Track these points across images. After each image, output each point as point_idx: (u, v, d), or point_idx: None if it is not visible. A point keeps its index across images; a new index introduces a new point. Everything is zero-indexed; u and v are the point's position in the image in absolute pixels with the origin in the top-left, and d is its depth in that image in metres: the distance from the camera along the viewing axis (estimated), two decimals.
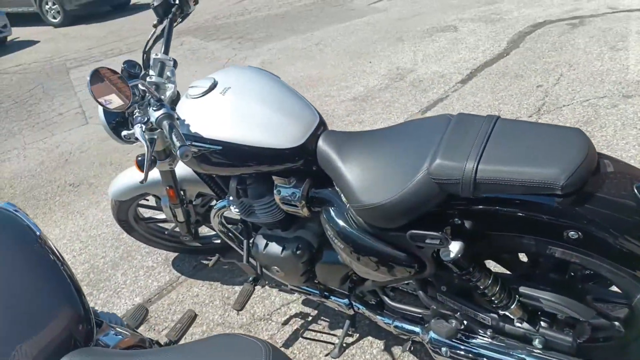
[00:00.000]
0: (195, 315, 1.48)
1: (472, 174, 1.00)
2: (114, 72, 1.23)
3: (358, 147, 1.27)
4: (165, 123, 1.19)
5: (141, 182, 1.26)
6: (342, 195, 1.30)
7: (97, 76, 1.21)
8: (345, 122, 3.47)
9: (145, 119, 1.28)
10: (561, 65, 3.58)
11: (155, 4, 1.53)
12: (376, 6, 6.73)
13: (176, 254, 2.40)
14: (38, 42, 8.29)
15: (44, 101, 5.21)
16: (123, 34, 7.83)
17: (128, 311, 1.52)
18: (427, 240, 1.12)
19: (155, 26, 1.55)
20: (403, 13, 6.07)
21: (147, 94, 1.32)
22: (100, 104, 1.21)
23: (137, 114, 1.31)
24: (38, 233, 0.98)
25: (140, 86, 1.32)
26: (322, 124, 1.39)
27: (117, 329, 1.02)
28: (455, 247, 1.11)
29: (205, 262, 2.34)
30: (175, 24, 1.58)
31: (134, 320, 1.41)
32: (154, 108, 1.23)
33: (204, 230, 2.26)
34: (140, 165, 1.56)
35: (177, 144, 1.12)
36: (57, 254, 1.00)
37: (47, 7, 9.25)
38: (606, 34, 3.94)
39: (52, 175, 3.56)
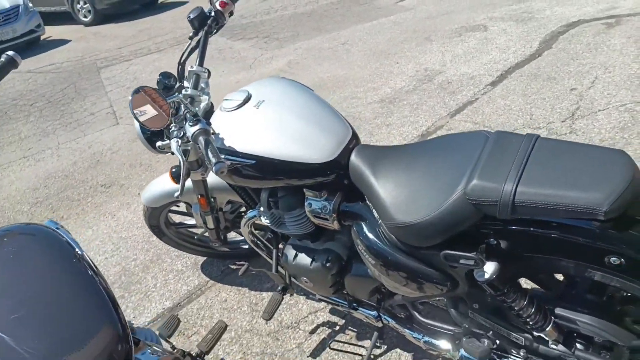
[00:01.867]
0: (226, 327, 1.50)
1: (510, 196, 0.98)
2: (153, 89, 1.25)
3: (391, 163, 1.27)
4: (201, 139, 1.20)
5: (177, 196, 1.28)
6: (374, 210, 1.29)
7: (137, 95, 1.23)
8: (372, 125, 3.45)
9: (182, 133, 1.30)
10: (596, 67, 3.47)
11: (192, 16, 1.55)
12: (403, 4, 6.65)
13: (205, 258, 2.43)
14: (70, 41, 8.49)
15: (76, 101, 5.34)
16: (152, 32, 7.96)
17: (161, 320, 1.56)
18: (461, 261, 1.11)
19: (190, 38, 1.57)
20: (431, 12, 5.99)
21: (183, 108, 1.33)
22: (141, 124, 1.23)
23: (173, 128, 1.33)
24: (79, 251, 1.00)
25: (177, 102, 1.33)
26: (354, 138, 1.38)
27: (154, 347, 1.04)
28: (490, 268, 1.09)
29: (233, 267, 2.37)
30: (210, 36, 1.60)
31: (167, 329, 1.44)
32: (190, 123, 1.24)
33: (232, 235, 2.28)
34: (174, 177, 1.59)
35: (213, 160, 1.13)
36: (96, 270, 1.02)
37: (78, 6, 9.47)
38: None
39: (85, 175, 3.65)
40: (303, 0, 8.28)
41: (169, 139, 1.39)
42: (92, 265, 1.01)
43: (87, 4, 9.32)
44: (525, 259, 1.10)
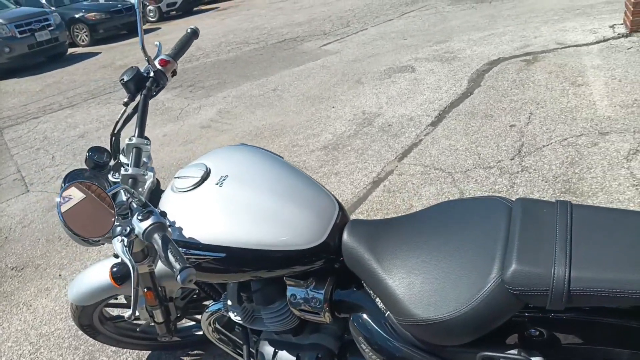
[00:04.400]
0: None
1: (564, 284, 0.81)
2: (91, 184, 0.95)
3: (395, 241, 1.06)
4: (156, 237, 0.92)
5: (128, 317, 0.98)
6: (377, 299, 1.08)
7: (68, 193, 0.93)
8: (320, 174, 3.27)
9: (127, 229, 1.01)
10: (528, 103, 3.59)
11: (125, 78, 1.28)
12: (327, 48, 6.72)
13: (150, 351, 2.05)
14: None
15: None
16: (62, 86, 7.36)
17: None
18: None
19: (125, 104, 1.29)
20: (356, 55, 6.08)
21: (126, 197, 1.05)
22: (79, 236, 0.92)
23: (115, 223, 1.03)
24: None
25: (122, 192, 1.05)
26: (341, 212, 1.17)
27: None
28: None
29: (186, 358, 2.01)
30: (149, 100, 1.33)
31: None
32: (139, 217, 0.96)
33: (182, 322, 1.95)
34: (116, 280, 1.27)
35: (177, 265, 0.86)
36: None
37: None
38: (563, 70, 4.03)
39: None
40: (225, 47, 8.15)
41: (110, 233, 1.08)
42: None
43: None
44: (573, 351, 0.93)
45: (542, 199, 1.00)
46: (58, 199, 0.90)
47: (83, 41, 10.69)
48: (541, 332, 0.92)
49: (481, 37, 5.60)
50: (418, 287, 0.96)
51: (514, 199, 1.01)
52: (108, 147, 1.30)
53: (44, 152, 4.75)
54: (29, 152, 4.83)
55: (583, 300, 0.81)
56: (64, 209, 0.94)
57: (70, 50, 10.21)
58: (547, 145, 2.95)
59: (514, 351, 0.90)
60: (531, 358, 0.90)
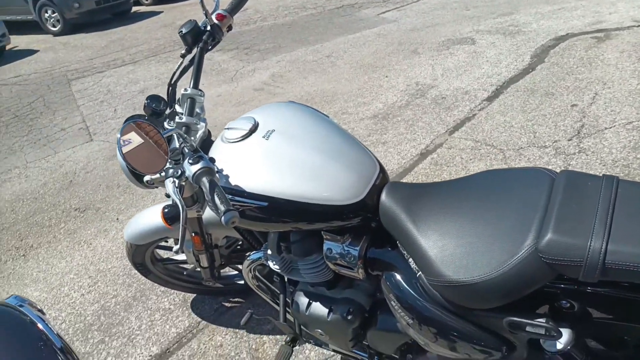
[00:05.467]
0: None
1: (600, 256, 0.80)
2: (147, 122, 1.03)
3: (432, 205, 1.08)
4: (204, 180, 0.99)
5: (175, 250, 1.06)
6: (410, 259, 1.10)
7: (128, 131, 1.01)
8: (367, 142, 3.28)
9: (179, 172, 1.08)
10: (594, 82, 3.40)
11: (184, 31, 1.34)
12: (385, 16, 6.56)
13: (195, 295, 2.19)
14: (37, 51, 8.09)
15: (45, 115, 5.01)
16: (125, 43, 7.64)
17: None
18: (529, 329, 0.93)
19: (183, 56, 1.35)
20: (415, 24, 5.91)
21: (180, 142, 1.12)
22: (133, 168, 1.00)
23: (167, 165, 1.11)
24: (45, 330, 0.78)
25: (175, 136, 1.12)
26: (382, 173, 1.20)
27: None
28: (564, 337, 0.91)
29: (227, 304, 2.14)
30: (205, 53, 1.39)
31: None
32: (191, 161, 1.03)
33: (225, 269, 2.06)
34: (168, 220, 1.36)
35: (222, 207, 0.92)
36: (65, 348, 0.81)
37: (46, 15, 9.05)
38: (637, 49, 3.76)
39: (56, 198, 3.35)
40: (282, 11, 8.12)
41: (162, 176, 1.16)
42: (63, 347, 0.79)
43: (56, 13, 8.93)
44: (604, 326, 0.93)
45: (588, 172, 0.98)
46: (118, 136, 0.98)
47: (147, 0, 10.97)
48: (572, 304, 0.93)
49: (550, 11, 5.28)
50: (451, 250, 0.98)
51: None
52: (165, 97, 1.37)
53: (107, 105, 5.00)
54: (94, 103, 5.11)
55: (617, 275, 0.81)
56: (124, 150, 1.03)
57: (134, 9, 10.51)
58: (610, 127, 2.80)
59: (542, 320, 0.91)
60: (559, 328, 0.90)
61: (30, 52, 8.08)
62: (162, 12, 10.00)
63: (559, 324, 0.92)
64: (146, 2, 10.97)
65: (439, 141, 3.11)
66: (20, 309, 0.80)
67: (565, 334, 0.91)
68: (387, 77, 4.39)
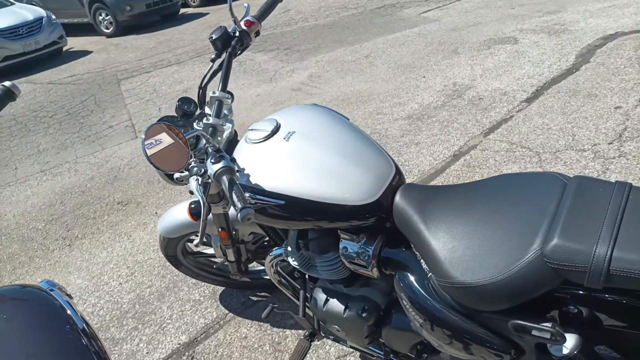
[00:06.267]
0: None
1: (604, 262, 0.80)
2: (171, 124, 1.10)
3: (444, 207, 1.09)
4: (224, 179, 1.04)
5: (196, 244, 1.13)
6: (422, 261, 1.12)
7: (157, 132, 1.08)
8: (400, 143, 3.27)
9: (202, 170, 1.15)
10: None
11: (214, 37, 1.41)
12: (427, 16, 6.49)
13: (224, 288, 2.28)
14: (91, 52, 8.53)
15: (96, 113, 5.28)
16: (172, 44, 7.93)
17: None
18: (534, 332, 0.93)
19: (212, 60, 1.42)
20: (456, 23, 5.81)
21: (204, 142, 1.18)
22: (155, 166, 1.07)
23: (192, 163, 1.18)
24: (73, 316, 0.85)
25: (200, 137, 1.19)
26: (398, 175, 1.22)
27: None
28: (570, 342, 0.91)
29: (254, 298, 2.21)
30: (234, 58, 1.45)
31: None
32: (212, 160, 1.09)
33: (253, 264, 2.13)
34: (193, 215, 1.43)
35: (239, 204, 0.97)
36: (91, 333, 0.88)
37: (100, 17, 9.54)
38: None
39: (102, 192, 3.55)
40: (324, 12, 8.18)
41: (188, 173, 1.24)
42: (87, 330, 0.86)
43: (109, 16, 9.39)
44: (613, 332, 0.92)
45: (601, 178, 0.96)
46: (142, 137, 1.05)
47: (194, 2, 11.32)
48: (580, 310, 0.92)
49: (600, 9, 5.07)
50: (460, 252, 0.99)
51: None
52: (196, 99, 1.45)
53: (152, 104, 5.22)
54: (140, 102, 5.34)
55: (622, 282, 0.80)
56: (149, 152, 1.10)
57: (182, 10, 10.87)
58: None
59: (548, 324, 0.90)
60: (565, 334, 0.90)
61: (84, 53, 8.53)
62: (208, 13, 10.30)
63: (566, 329, 0.91)
64: (193, 3, 11.33)
65: (473, 143, 3.07)
66: (51, 293, 0.88)
67: (572, 339, 0.90)
68: (424, 77, 4.35)
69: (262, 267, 2.20)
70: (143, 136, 1.06)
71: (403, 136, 3.36)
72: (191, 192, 1.17)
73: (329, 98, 4.36)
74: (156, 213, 3.11)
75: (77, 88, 6.37)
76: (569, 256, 0.83)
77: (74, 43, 9.39)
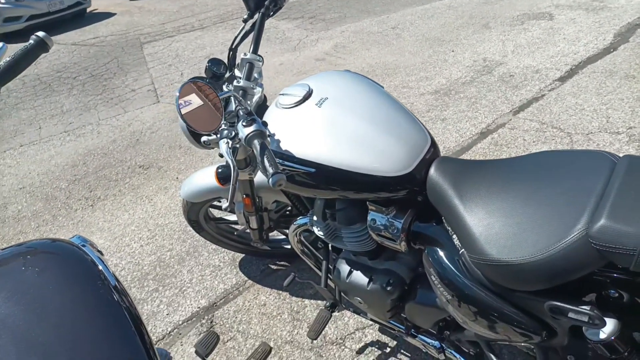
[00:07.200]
0: (270, 349, 1.33)
1: None
2: (205, 83, 1.07)
3: (481, 182, 1.05)
4: (256, 142, 1.01)
5: (225, 208, 1.11)
6: (454, 236, 1.09)
7: (187, 90, 1.05)
8: (426, 118, 3.20)
9: (233, 133, 1.12)
10: None
11: None
12: None
13: (244, 255, 2.29)
14: (115, 14, 8.47)
15: (118, 76, 5.28)
16: (195, 9, 7.83)
17: (199, 338, 1.41)
18: (571, 315, 0.89)
19: (245, 21, 1.38)
20: None
21: (236, 104, 1.15)
22: (190, 126, 1.05)
23: (223, 126, 1.15)
24: (104, 271, 0.85)
25: (232, 101, 1.15)
26: (433, 147, 1.17)
27: None
28: (608, 327, 0.87)
29: (273, 267, 2.21)
30: (266, 19, 1.40)
31: (205, 348, 1.29)
32: (244, 123, 1.05)
33: (274, 233, 2.13)
34: (221, 179, 1.41)
35: (270, 170, 0.95)
36: (121, 290, 0.87)
37: None
38: None
39: (124, 155, 3.56)
40: None
41: (217, 137, 1.21)
42: (118, 287, 0.86)
43: None
44: None
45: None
46: (177, 94, 1.02)
47: None
48: (621, 294, 0.88)
49: None
50: (497, 229, 0.96)
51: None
52: (226, 61, 1.41)
53: (174, 69, 5.19)
54: (163, 67, 5.31)
55: None
56: (183, 110, 1.08)
57: None
58: None
59: (586, 307, 0.87)
60: (605, 318, 0.87)
61: (108, 15, 8.48)
62: None
63: (605, 314, 0.88)
64: None
65: (502, 121, 2.98)
66: (83, 248, 0.88)
67: (610, 324, 0.87)
68: (453, 51, 4.22)
69: (283, 237, 2.19)
70: (177, 93, 1.03)
71: (429, 111, 3.29)
72: (221, 156, 1.15)
73: (354, 69, 4.27)
74: (177, 178, 3.11)
75: (100, 50, 6.36)
76: (617, 238, 0.79)
77: (97, 5, 9.34)
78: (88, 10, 8.78)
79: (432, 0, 5.89)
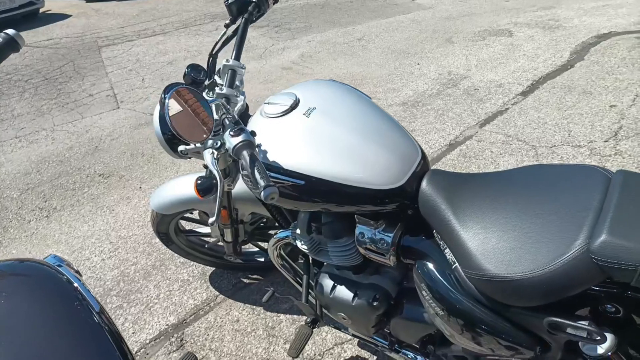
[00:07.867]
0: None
1: None
2: (192, 90, 1.01)
3: (476, 196, 1.04)
4: (245, 154, 0.96)
5: (211, 222, 1.05)
6: (446, 250, 1.07)
7: (175, 97, 0.99)
8: None
9: (218, 143, 1.06)
10: (635, 84, 3.27)
11: (230, 0, 1.31)
12: (421, 3, 6.42)
13: (214, 268, 2.20)
14: (70, 16, 8.13)
15: (74, 80, 5.04)
16: (156, 13, 7.64)
17: (177, 356, 1.32)
18: (569, 330, 0.89)
19: (227, 26, 1.33)
20: (450, 12, 5.77)
21: (221, 113, 1.10)
22: (179, 136, 0.98)
23: (212, 129, 1.09)
24: (83, 292, 0.77)
25: (215, 107, 1.10)
26: (423, 160, 1.16)
27: None
28: (607, 342, 0.87)
29: (245, 280, 2.14)
30: (250, 24, 1.35)
31: None
32: (232, 133, 1.00)
33: (246, 246, 2.06)
34: (200, 191, 1.34)
35: (262, 182, 0.90)
36: (101, 311, 0.80)
37: None
38: None
39: (81, 162, 3.38)
40: None
41: (199, 146, 1.15)
42: (98, 308, 0.79)
43: None
44: None
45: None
46: (163, 97, 0.96)
47: None
48: (618, 309, 0.89)
49: (594, 7, 5.10)
50: (493, 244, 0.95)
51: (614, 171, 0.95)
52: (205, 67, 1.35)
53: (135, 74, 5.01)
54: (122, 71, 5.12)
55: None
56: (171, 114, 1.01)
57: None
58: None
59: (585, 322, 0.87)
60: (603, 333, 0.87)
61: (62, 17, 8.13)
62: None
63: (602, 328, 0.88)
64: None
65: (469, 133, 3.04)
66: (59, 268, 0.80)
67: (608, 339, 0.87)
68: (418, 64, 4.30)
69: (256, 249, 2.13)
70: (165, 99, 0.97)
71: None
72: (205, 166, 1.08)
73: (321, 78, 4.26)
74: (140, 187, 2.98)
75: (54, 53, 6.07)
76: (618, 253, 0.79)
77: (51, 5, 8.95)
78: (41, 10, 8.38)
79: (396, 14, 6.00)
